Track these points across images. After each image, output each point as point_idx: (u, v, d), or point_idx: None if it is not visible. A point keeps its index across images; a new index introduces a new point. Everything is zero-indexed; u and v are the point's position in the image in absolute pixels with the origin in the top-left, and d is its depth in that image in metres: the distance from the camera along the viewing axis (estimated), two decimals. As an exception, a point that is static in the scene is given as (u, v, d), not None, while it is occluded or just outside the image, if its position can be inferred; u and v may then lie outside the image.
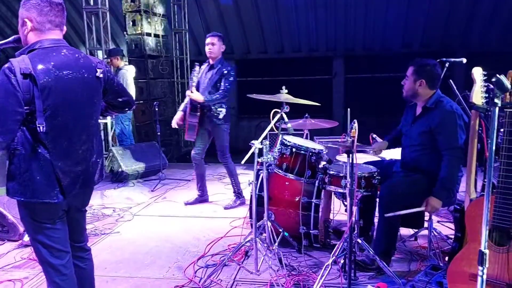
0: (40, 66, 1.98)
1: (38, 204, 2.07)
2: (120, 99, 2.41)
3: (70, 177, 2.13)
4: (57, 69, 2.04)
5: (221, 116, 4.65)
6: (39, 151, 2.03)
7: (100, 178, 2.36)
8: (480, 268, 1.64)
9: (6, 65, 1.95)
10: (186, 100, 4.71)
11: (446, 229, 3.92)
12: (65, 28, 2.23)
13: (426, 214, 3.55)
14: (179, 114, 4.79)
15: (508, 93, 1.91)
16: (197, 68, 4.74)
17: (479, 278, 1.64)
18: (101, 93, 2.28)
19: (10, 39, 2.25)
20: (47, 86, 1.99)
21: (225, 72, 4.55)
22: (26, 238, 3.82)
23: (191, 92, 4.57)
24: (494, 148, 1.61)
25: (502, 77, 1.54)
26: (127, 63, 7.39)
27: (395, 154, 3.77)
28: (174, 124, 4.83)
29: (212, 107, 4.59)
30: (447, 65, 3.84)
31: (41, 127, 1.99)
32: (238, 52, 11.54)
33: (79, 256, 2.36)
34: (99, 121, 6.81)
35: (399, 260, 3.41)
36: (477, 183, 2.96)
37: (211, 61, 4.67)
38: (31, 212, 2.11)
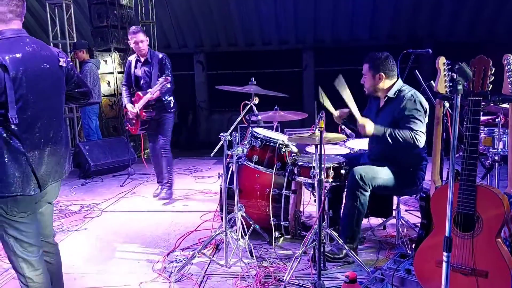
0: (7, 57, 1.95)
1: (15, 198, 2.03)
2: (77, 90, 2.38)
3: (45, 168, 2.10)
4: (24, 60, 2.01)
5: (172, 105, 4.74)
6: (12, 143, 1.99)
7: (69, 169, 2.34)
8: (445, 254, 1.67)
9: None
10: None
11: (414, 217, 4.00)
12: (23, 18, 2.18)
13: (394, 203, 3.62)
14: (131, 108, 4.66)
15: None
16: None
17: (444, 264, 1.67)
18: (64, 82, 2.26)
19: None
20: (18, 77, 1.96)
21: (163, 62, 4.64)
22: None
23: (133, 107, 4.59)
24: (457, 135, 1.64)
25: (464, 65, 1.56)
26: (93, 56, 7.20)
27: (362, 144, 3.82)
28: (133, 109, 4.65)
29: (163, 98, 4.62)
30: (412, 56, 3.89)
31: (13, 119, 1.95)
32: (207, 44, 11.41)
33: (46, 251, 2.33)
34: (65, 115, 6.62)
35: (368, 248, 3.46)
36: (443, 171, 3.01)
37: (142, 57, 4.66)
38: (6, 206, 2.05)
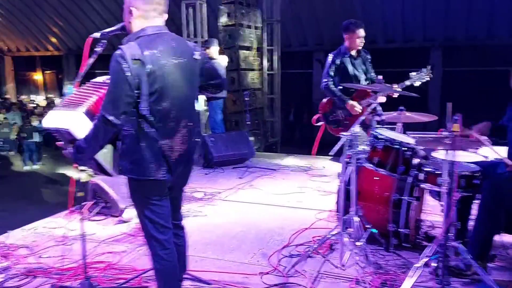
0: (146, 52, 2.12)
1: (148, 181, 2.22)
2: (212, 82, 2.49)
3: (176, 156, 2.26)
4: (162, 55, 2.17)
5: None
6: (148, 131, 2.17)
7: (198, 158, 2.48)
8: None
9: (117, 52, 2.10)
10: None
11: (559, 239, 3.51)
12: (166, 15, 2.33)
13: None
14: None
15: None
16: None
17: None
18: (198, 75, 2.39)
19: (116, 26, 2.44)
20: (154, 71, 2.13)
21: (369, 58, 4.67)
22: (125, 215, 4.13)
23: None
24: None
25: None
26: (221, 53, 7.60)
27: (500, 153, 3.45)
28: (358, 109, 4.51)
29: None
30: None
31: (144, 110, 2.14)
32: (328, 43, 11.34)
33: (175, 234, 2.48)
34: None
35: (500, 268, 3.13)
36: None
37: (355, 52, 4.60)
38: (141, 188, 2.26)
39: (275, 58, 9.29)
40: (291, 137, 12.25)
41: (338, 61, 4.55)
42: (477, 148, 3.55)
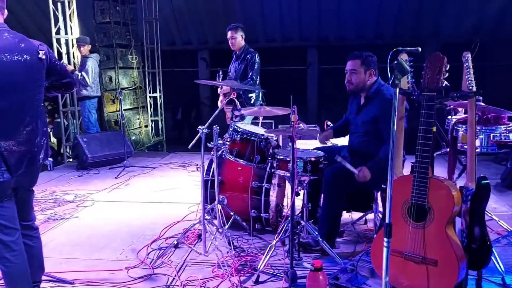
0: None
1: None
2: (62, 81, 2.50)
3: (16, 156, 2.21)
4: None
5: (252, 101, 4.92)
6: None
7: (45, 158, 2.45)
8: (386, 239, 1.76)
9: None
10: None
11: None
12: (6, 12, 2.30)
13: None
14: None
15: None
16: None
17: (384, 249, 1.77)
18: (44, 74, 2.37)
19: None
20: None
21: (251, 61, 4.87)
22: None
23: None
24: (394, 127, 1.72)
25: (401, 60, 1.65)
26: (95, 51, 7.35)
27: (344, 141, 3.89)
28: None
29: (242, 94, 4.86)
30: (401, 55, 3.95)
31: None
32: (211, 41, 11.53)
33: (27, 235, 2.44)
34: (67, 109, 6.79)
35: (346, 242, 3.54)
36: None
37: (238, 52, 5.01)
38: None
39: (156, 56, 9.24)
40: (180, 136, 12.25)
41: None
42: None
